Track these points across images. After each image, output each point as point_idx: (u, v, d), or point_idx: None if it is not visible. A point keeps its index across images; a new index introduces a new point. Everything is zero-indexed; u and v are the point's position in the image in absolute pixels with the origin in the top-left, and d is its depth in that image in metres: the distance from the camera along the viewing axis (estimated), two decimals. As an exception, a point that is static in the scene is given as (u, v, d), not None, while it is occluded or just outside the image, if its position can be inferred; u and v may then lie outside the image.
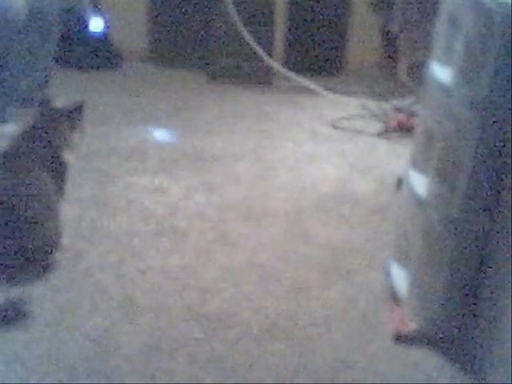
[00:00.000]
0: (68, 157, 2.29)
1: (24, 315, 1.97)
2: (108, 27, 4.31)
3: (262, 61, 4.13)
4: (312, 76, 4.16)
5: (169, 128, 3.49)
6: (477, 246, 1.82)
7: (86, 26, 4.22)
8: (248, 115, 3.75)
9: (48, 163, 2.21)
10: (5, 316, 1.96)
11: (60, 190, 2.26)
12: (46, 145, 2.23)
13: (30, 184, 2.15)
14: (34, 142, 2.22)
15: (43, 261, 2.16)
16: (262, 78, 4.24)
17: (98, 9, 4.24)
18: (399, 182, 2.69)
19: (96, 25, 4.25)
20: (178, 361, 1.85)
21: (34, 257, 2.12)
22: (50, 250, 2.18)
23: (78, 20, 4.18)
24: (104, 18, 4.28)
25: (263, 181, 2.98)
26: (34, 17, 3.21)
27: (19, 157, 2.19)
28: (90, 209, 2.63)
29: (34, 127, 2.26)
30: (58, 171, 2.26)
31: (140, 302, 2.09)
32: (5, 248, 2.07)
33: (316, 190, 2.91)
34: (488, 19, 1.66)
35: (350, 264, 2.36)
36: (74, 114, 2.31)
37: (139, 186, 2.83)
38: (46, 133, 2.24)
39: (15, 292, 2.05)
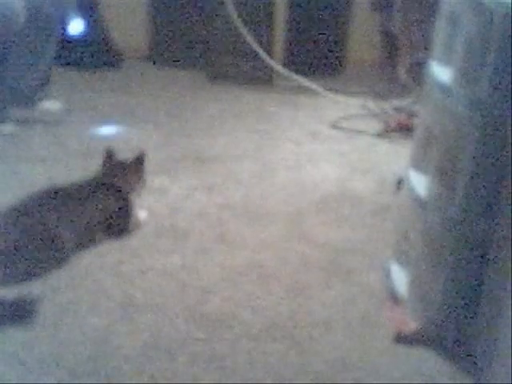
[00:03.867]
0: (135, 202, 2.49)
1: (24, 315, 1.97)
2: (91, 29, 4.17)
3: (262, 61, 4.13)
4: (312, 76, 4.17)
5: (169, 128, 3.49)
6: (477, 246, 1.82)
7: (64, 29, 3.80)
8: (248, 115, 3.75)
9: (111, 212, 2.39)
10: (5, 316, 1.96)
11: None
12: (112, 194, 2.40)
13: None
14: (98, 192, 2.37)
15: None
16: (262, 78, 4.24)
17: (79, 10, 3.97)
18: (399, 182, 2.69)
19: (75, 27, 4.05)
20: (178, 361, 1.85)
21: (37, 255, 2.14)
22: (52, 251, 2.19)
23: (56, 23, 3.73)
24: (85, 19, 4.09)
25: (263, 181, 2.98)
26: (33, 17, 3.21)
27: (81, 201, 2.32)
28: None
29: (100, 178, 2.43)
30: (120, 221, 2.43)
31: (140, 301, 2.09)
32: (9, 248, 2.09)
33: (316, 190, 2.91)
34: (488, 19, 1.66)
35: (350, 264, 2.36)
36: (137, 164, 2.48)
37: (139, 186, 2.83)
38: (113, 183, 2.42)
39: (15, 292, 2.05)
